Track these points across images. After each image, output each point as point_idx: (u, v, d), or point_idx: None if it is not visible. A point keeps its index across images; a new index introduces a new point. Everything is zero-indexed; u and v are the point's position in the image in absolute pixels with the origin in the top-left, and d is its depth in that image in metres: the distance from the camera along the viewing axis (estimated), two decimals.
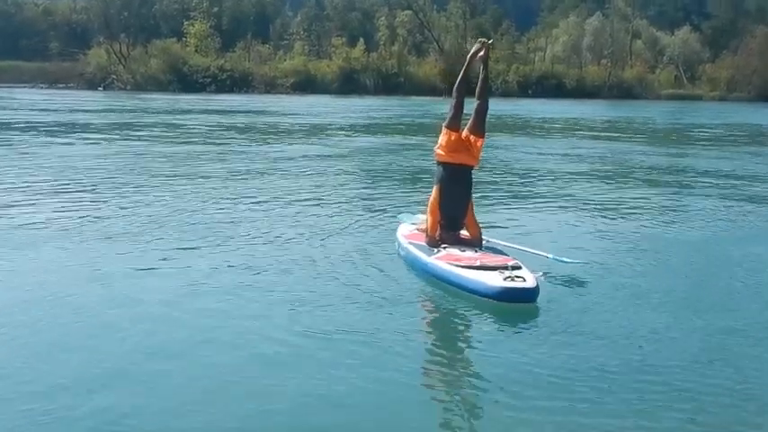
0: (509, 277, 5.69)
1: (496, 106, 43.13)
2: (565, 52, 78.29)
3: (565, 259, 6.65)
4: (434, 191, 6.87)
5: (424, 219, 7.51)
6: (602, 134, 26.86)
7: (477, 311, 5.64)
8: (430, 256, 6.45)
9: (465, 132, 6.94)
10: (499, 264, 6.05)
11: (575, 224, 9.40)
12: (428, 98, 54.05)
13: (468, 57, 7.15)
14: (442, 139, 6.87)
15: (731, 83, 72.91)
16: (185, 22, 73.54)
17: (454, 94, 6.97)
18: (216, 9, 78.70)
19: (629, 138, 25.11)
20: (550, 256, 6.66)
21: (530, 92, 66.34)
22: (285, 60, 73.11)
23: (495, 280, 5.72)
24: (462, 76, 7.10)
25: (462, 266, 6.06)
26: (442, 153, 6.86)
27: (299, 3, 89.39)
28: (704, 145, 22.61)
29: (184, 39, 72.03)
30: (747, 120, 38.25)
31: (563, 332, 5.15)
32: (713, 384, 4.42)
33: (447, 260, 6.28)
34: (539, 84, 67.67)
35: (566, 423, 3.89)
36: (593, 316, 5.51)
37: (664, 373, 4.53)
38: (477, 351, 4.98)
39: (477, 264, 6.08)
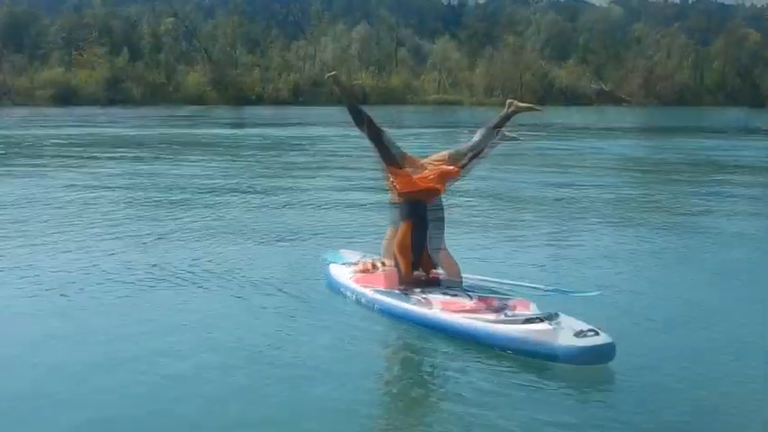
0: (580, 332, 4.62)
1: (265, 112, 42.99)
2: (334, 60, 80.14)
3: (568, 291, 5.67)
4: (402, 228, 5.96)
5: (359, 257, 6.74)
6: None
7: (505, 366, 4.73)
8: (431, 307, 5.42)
9: (442, 154, 6.15)
10: (531, 313, 5.02)
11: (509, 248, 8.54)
12: (199, 107, 53.06)
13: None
14: (395, 179, 6.02)
15: (487, 88, 77.86)
16: None
17: (366, 132, 6.01)
18: None
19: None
20: (554, 289, 5.73)
21: (300, 99, 67.10)
22: (44, 71, 68.71)
23: (564, 338, 4.61)
24: (353, 110, 6.07)
25: (491, 321, 5.02)
26: (402, 189, 6.00)
27: (57, 10, 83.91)
28: None
29: None
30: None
31: (634, 384, 4.48)
32: None
33: (460, 310, 5.28)
34: (310, 92, 68.55)
35: None
36: (657, 358, 4.85)
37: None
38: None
39: (507, 316, 5.04)
